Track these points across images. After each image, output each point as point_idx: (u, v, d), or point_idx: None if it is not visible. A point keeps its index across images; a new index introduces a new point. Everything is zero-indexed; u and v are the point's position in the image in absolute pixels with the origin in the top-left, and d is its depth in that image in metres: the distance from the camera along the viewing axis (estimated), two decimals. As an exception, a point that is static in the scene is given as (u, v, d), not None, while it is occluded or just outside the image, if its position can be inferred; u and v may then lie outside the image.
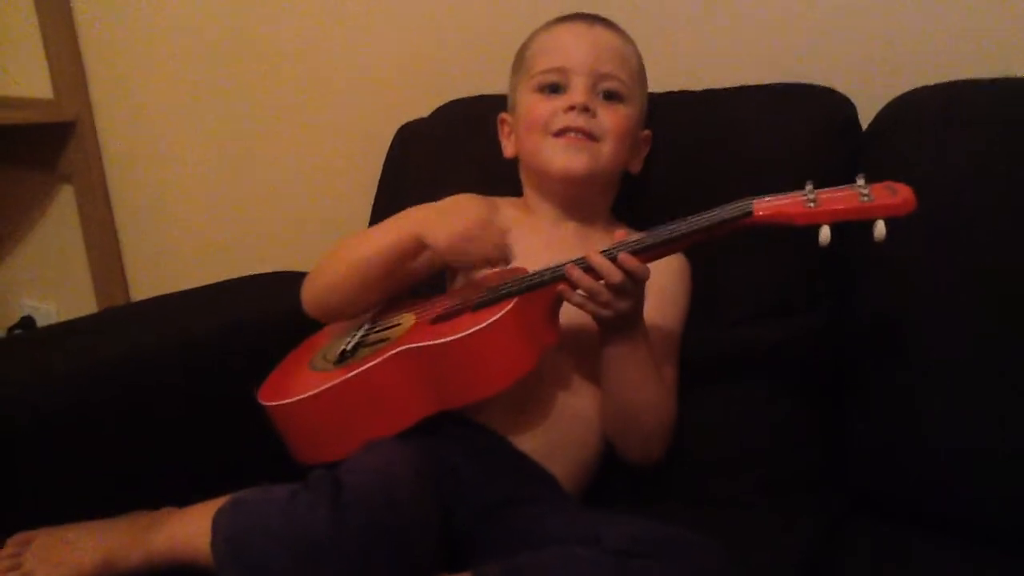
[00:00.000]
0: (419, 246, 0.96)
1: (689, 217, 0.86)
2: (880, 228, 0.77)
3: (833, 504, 1.04)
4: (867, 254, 1.04)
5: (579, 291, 0.89)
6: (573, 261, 0.88)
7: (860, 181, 0.81)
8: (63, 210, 1.86)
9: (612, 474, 1.03)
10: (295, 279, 1.23)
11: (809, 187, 0.81)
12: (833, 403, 1.07)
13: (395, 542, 0.71)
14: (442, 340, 0.85)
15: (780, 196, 0.82)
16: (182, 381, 1.11)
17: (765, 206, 0.81)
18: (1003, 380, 0.93)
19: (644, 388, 0.95)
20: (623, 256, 0.86)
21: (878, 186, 0.80)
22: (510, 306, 0.87)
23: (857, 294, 1.05)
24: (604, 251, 0.87)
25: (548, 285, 0.90)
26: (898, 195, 0.79)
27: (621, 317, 0.89)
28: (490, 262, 0.96)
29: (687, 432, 1.02)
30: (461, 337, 0.85)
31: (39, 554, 0.87)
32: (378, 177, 1.37)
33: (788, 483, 1.04)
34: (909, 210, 0.78)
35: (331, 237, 1.43)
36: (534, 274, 0.92)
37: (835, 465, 1.05)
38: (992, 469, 0.93)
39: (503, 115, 1.15)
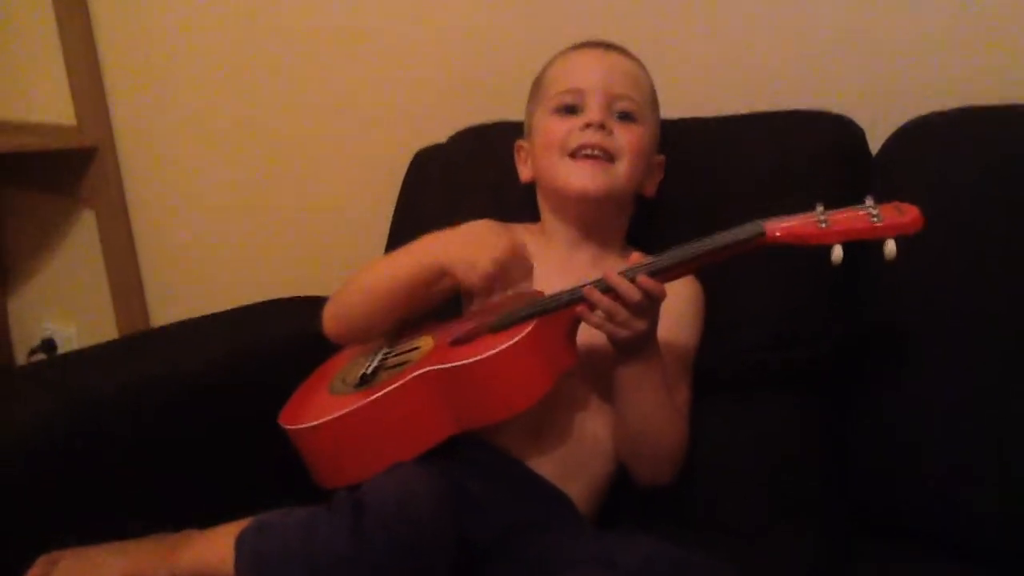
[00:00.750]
0: (441, 275, 0.97)
1: (703, 238, 0.88)
2: (891, 247, 0.79)
3: (839, 526, 1.04)
4: (875, 279, 1.05)
5: (597, 312, 0.90)
6: (592, 282, 0.90)
7: (869, 201, 0.83)
8: (84, 235, 1.88)
9: (621, 495, 1.03)
10: (314, 304, 1.25)
11: (820, 208, 0.83)
12: (838, 425, 1.08)
13: (416, 566, 0.72)
14: (461, 362, 0.87)
15: (792, 217, 0.84)
16: (204, 405, 1.13)
17: (778, 227, 0.83)
18: (1007, 403, 0.94)
19: (657, 410, 0.96)
20: (641, 277, 0.87)
21: (887, 206, 0.82)
22: (529, 328, 0.88)
23: (864, 318, 1.06)
24: (622, 271, 0.89)
25: (566, 307, 0.91)
26: (906, 215, 0.81)
27: (638, 337, 0.91)
28: (517, 297, 0.97)
29: (696, 454, 1.03)
30: (480, 359, 0.86)
31: (66, 574, 0.89)
32: (395, 202, 1.39)
33: (794, 506, 1.05)
34: (917, 229, 0.81)
35: (349, 262, 1.44)
36: (552, 296, 0.93)
37: (840, 487, 1.06)
38: (995, 491, 0.94)
39: (520, 142, 1.17)
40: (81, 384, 1.08)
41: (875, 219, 0.81)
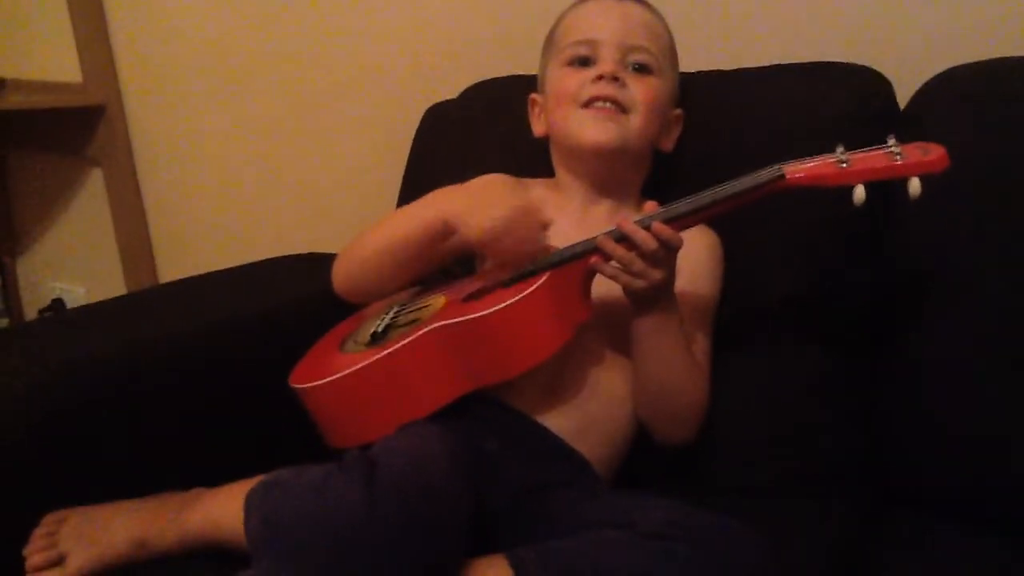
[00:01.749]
0: (448, 231, 0.95)
1: (720, 184, 0.86)
2: (915, 185, 0.78)
3: (866, 494, 1.02)
4: (901, 236, 1.02)
5: (612, 262, 0.88)
6: (606, 232, 0.88)
7: (891, 141, 0.81)
8: (92, 194, 1.87)
9: (642, 459, 1.02)
10: (324, 260, 1.23)
11: (840, 149, 0.82)
12: (864, 389, 1.05)
13: (429, 525, 0.70)
14: (475, 315, 0.85)
15: (812, 159, 0.82)
16: (213, 363, 1.11)
17: (797, 169, 0.82)
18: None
19: (676, 364, 0.94)
20: (657, 224, 0.85)
21: (910, 146, 0.81)
22: (543, 280, 0.86)
23: (890, 278, 1.04)
24: (637, 220, 0.87)
25: (580, 258, 0.89)
26: (931, 153, 0.79)
27: (654, 288, 0.88)
28: (527, 255, 0.93)
29: (719, 417, 1.01)
30: (494, 311, 0.84)
31: (73, 533, 0.88)
32: (406, 159, 1.36)
33: (820, 472, 1.03)
34: (944, 167, 0.79)
35: (359, 219, 1.43)
36: (566, 248, 0.91)
37: (866, 453, 1.04)
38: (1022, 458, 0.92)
39: (533, 95, 1.14)
40: (82, 343, 1.06)
41: (897, 158, 0.79)
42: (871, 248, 1.05)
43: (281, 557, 0.69)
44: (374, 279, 1.01)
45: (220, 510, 0.86)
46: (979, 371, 0.95)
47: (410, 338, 0.87)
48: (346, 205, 1.63)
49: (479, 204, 0.93)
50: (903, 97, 1.09)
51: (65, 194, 1.93)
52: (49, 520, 0.89)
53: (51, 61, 1.84)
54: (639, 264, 0.87)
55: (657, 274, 0.87)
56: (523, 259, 0.93)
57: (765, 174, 0.83)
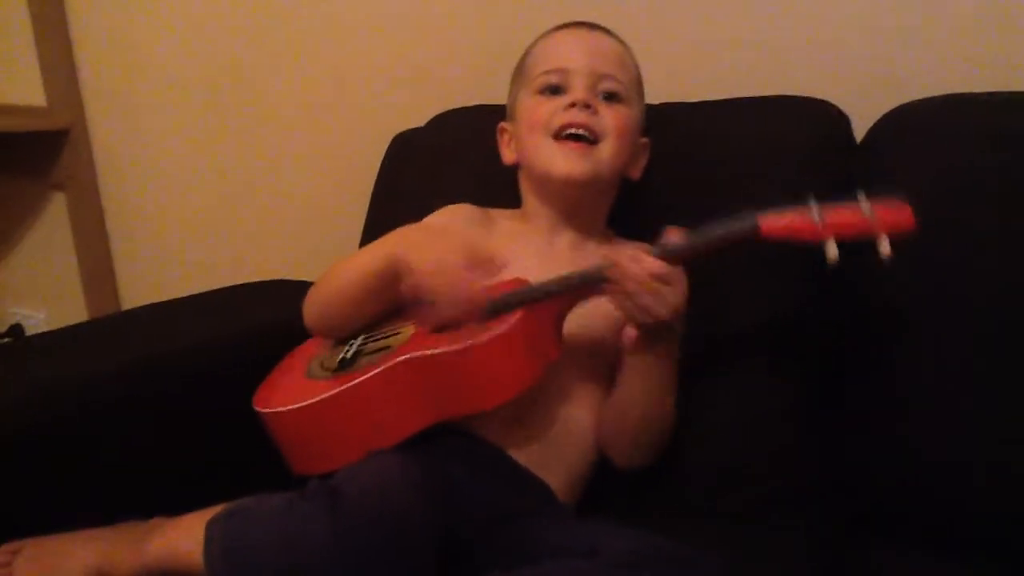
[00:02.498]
0: (399, 270, 0.93)
1: (697, 230, 0.87)
2: (886, 245, 0.79)
3: (835, 519, 1.03)
4: (863, 265, 1.04)
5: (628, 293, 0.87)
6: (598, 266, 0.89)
7: (862, 197, 0.82)
8: (55, 218, 1.85)
9: (606, 484, 1.02)
10: (288, 287, 1.23)
11: (813, 203, 0.82)
12: (831, 414, 1.07)
13: (392, 554, 0.70)
14: (443, 350, 0.84)
15: (786, 212, 0.83)
16: (175, 390, 1.10)
17: (773, 223, 0.82)
18: (1002, 395, 0.93)
19: (663, 398, 0.96)
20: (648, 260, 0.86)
21: (879, 203, 0.81)
22: (516, 317, 0.86)
23: (855, 306, 1.05)
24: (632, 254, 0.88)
25: (555, 296, 0.90)
26: (899, 213, 0.80)
27: (660, 325, 0.89)
28: (449, 308, 0.90)
29: (689, 442, 1.02)
30: (464, 347, 0.84)
31: (29, 564, 0.86)
32: (372, 186, 1.37)
33: (787, 498, 1.04)
34: (909, 228, 0.80)
35: (325, 246, 1.43)
36: (539, 285, 0.91)
37: (833, 477, 1.05)
38: (989, 483, 0.93)
39: (503, 124, 1.15)
40: (41, 371, 1.05)
41: (868, 216, 0.80)
42: (841, 276, 1.07)
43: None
44: (340, 317, 1.01)
45: (181, 539, 0.84)
46: (950, 397, 0.96)
47: (379, 368, 0.87)
48: (312, 231, 1.63)
49: (424, 244, 0.92)
50: (860, 131, 1.11)
51: (27, 218, 1.90)
52: (5, 550, 0.87)
53: (15, 84, 1.83)
54: (646, 297, 0.86)
55: (663, 311, 0.87)
56: (496, 288, 0.93)
57: (741, 225, 0.84)
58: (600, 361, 1.01)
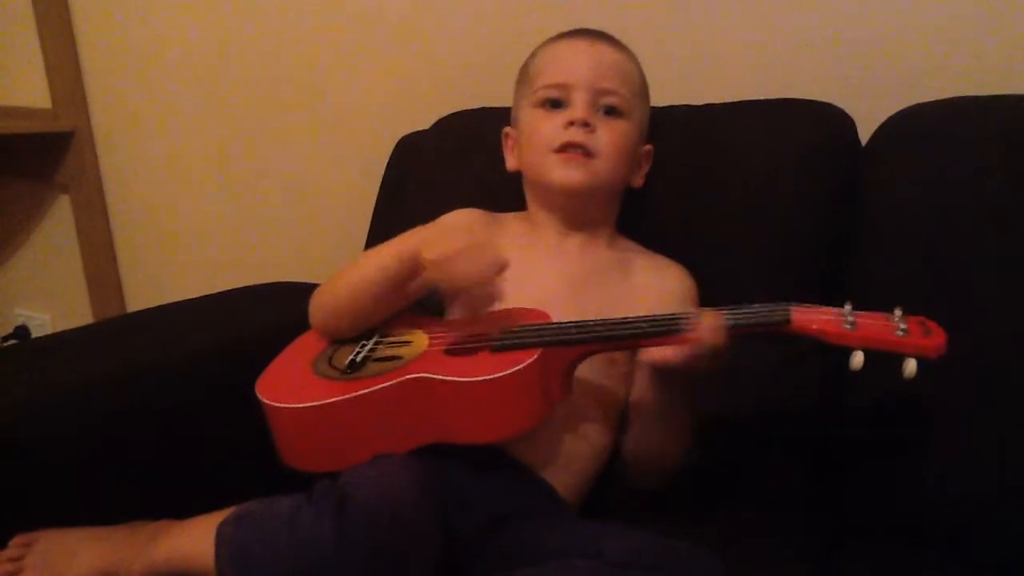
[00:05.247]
0: (413, 266, 0.93)
1: (730, 309, 0.85)
2: (911, 366, 0.77)
3: (829, 525, 1.03)
4: (868, 265, 1.05)
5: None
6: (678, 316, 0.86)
7: (898, 313, 0.81)
8: (60, 220, 1.86)
9: (608, 487, 1.02)
10: (292, 289, 1.23)
11: (848, 307, 0.82)
12: (827, 420, 1.06)
13: (399, 557, 0.71)
14: (461, 379, 0.84)
15: (820, 311, 0.82)
16: (180, 392, 1.11)
17: (806, 318, 0.82)
18: (1006, 402, 0.93)
19: (680, 433, 0.95)
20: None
21: (914, 321, 0.81)
22: (534, 357, 0.85)
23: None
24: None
25: (577, 345, 0.89)
26: (931, 337, 0.79)
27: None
28: (474, 284, 0.92)
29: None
30: (482, 381, 0.83)
31: (39, 560, 0.87)
32: (377, 188, 1.37)
33: (785, 501, 1.03)
34: (940, 354, 0.78)
35: (330, 249, 1.44)
36: (561, 328, 0.90)
37: (831, 487, 1.05)
38: (990, 490, 0.93)
39: (507, 129, 1.16)
40: (48, 371, 1.06)
41: (901, 333, 0.79)
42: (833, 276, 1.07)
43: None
44: (350, 317, 1.00)
45: (189, 542, 0.85)
46: (945, 402, 0.96)
47: (392, 381, 0.86)
48: (318, 235, 1.63)
49: (437, 237, 0.92)
50: (865, 133, 1.11)
51: (32, 220, 1.91)
52: (17, 542, 0.88)
53: (21, 86, 1.84)
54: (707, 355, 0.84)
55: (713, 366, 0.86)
56: (471, 288, 0.93)
57: (773, 314, 0.83)
58: (614, 371, 1.01)
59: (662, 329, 0.86)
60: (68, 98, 1.77)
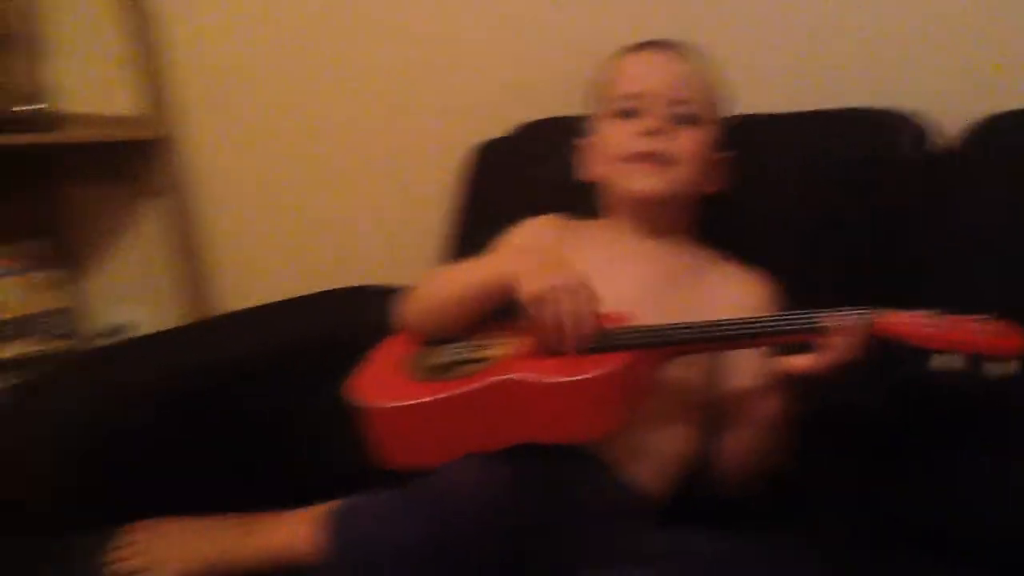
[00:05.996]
0: (507, 292, 0.96)
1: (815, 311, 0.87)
2: (998, 366, 0.79)
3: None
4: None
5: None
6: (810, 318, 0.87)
7: (979, 316, 0.82)
8: (151, 225, 1.92)
9: (691, 489, 1.03)
10: (376, 292, 1.28)
11: (928, 311, 0.84)
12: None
13: (500, 554, 0.74)
14: (549, 380, 0.87)
15: (901, 312, 0.84)
16: (270, 389, 1.17)
17: (889, 320, 0.84)
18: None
19: (782, 439, 0.98)
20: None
21: (993, 322, 0.82)
22: (626, 359, 0.88)
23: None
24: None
25: (669, 346, 0.92)
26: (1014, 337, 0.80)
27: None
28: (562, 327, 0.92)
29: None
30: (570, 382, 0.87)
31: (159, 544, 0.93)
32: (456, 194, 1.41)
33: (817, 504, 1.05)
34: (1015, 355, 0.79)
35: (413, 251, 1.48)
36: (653, 331, 0.93)
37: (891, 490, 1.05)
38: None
39: (582, 139, 1.18)
40: (147, 367, 1.15)
41: (984, 334, 0.80)
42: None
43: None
44: (438, 326, 1.04)
45: (287, 535, 0.90)
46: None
47: (485, 382, 0.90)
48: (399, 238, 1.67)
49: (538, 269, 0.95)
50: (947, 140, 1.12)
51: (125, 225, 1.98)
52: (142, 527, 0.95)
53: (112, 95, 1.90)
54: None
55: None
56: (561, 332, 0.93)
57: (856, 317, 0.85)
58: (692, 372, 1.02)
59: (796, 328, 0.88)
60: (156, 105, 1.84)
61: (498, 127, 1.42)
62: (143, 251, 1.95)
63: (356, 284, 1.45)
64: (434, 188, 1.49)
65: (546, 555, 0.83)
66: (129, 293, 2.00)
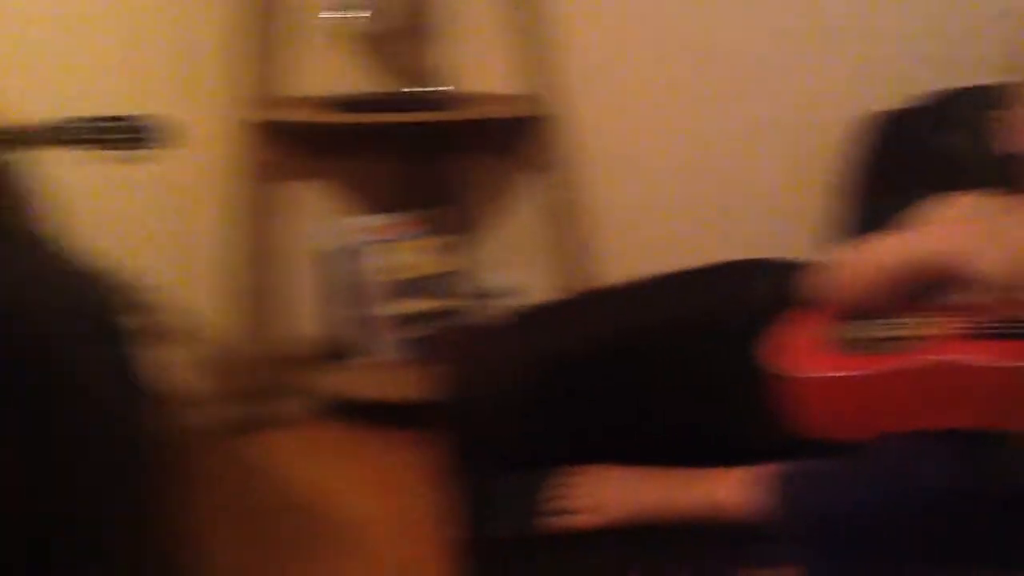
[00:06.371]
0: (948, 271, 0.94)
1: None
2: None
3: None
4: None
5: None
6: None
7: None
8: (537, 197, 2.08)
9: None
10: (769, 265, 1.31)
11: None
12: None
13: (941, 537, 0.77)
14: (1000, 364, 0.86)
15: None
16: (670, 356, 1.24)
17: None
18: None
19: None
20: None
21: None
22: None
23: None
24: None
25: None
26: None
27: None
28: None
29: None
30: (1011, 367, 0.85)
31: (606, 485, 1.03)
32: (843, 164, 1.40)
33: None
34: None
35: (798, 223, 1.49)
36: None
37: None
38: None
39: (1001, 111, 1.13)
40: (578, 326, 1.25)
41: None
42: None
43: (814, 545, 0.79)
44: (868, 300, 1.03)
45: (724, 492, 0.97)
46: None
47: (927, 359, 0.90)
48: (782, 210, 1.70)
49: (991, 249, 0.91)
50: None
51: (512, 195, 2.17)
52: (588, 471, 1.05)
53: (500, 74, 2.07)
54: None
55: None
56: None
57: None
58: None
59: None
60: (545, 84, 1.99)
61: (894, 99, 1.39)
62: (528, 221, 2.12)
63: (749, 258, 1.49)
64: (819, 160, 1.49)
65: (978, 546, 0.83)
66: (514, 259, 2.18)
